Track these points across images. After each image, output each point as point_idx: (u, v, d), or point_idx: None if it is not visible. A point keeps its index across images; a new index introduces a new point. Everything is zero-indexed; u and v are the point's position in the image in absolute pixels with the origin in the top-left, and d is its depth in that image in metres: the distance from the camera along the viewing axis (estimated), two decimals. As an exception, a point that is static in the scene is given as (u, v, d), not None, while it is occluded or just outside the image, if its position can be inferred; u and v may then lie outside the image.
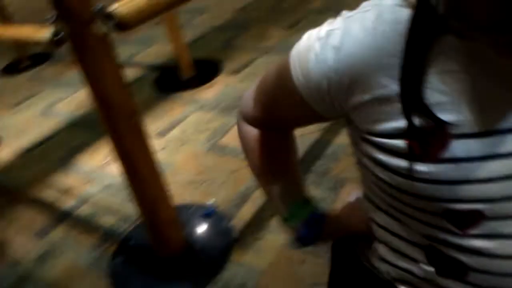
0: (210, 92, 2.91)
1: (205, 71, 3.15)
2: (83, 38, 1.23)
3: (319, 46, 0.48)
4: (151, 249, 1.75)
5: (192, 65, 3.08)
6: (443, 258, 0.50)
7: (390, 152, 0.46)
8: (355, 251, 0.66)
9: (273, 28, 3.59)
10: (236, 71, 3.07)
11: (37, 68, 3.90)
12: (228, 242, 1.73)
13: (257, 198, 1.92)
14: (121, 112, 1.37)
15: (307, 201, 0.69)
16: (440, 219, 0.47)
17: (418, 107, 0.43)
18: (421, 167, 0.44)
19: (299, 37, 0.55)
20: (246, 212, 1.86)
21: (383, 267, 0.59)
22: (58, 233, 2.01)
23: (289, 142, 0.70)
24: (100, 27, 1.19)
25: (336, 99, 0.49)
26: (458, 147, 0.43)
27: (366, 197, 0.60)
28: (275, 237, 1.70)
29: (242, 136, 0.71)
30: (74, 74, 3.68)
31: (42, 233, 2.03)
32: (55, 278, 1.77)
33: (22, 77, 3.82)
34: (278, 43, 3.31)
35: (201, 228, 1.82)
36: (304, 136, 2.24)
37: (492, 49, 0.37)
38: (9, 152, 2.79)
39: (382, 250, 0.58)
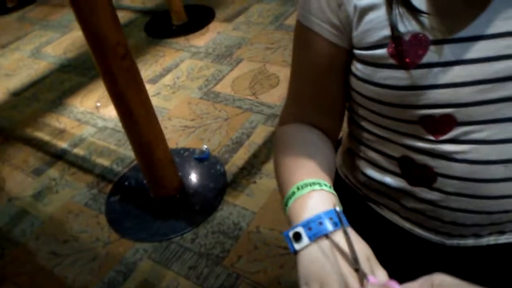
0: (202, 39, 2.88)
1: (197, 17, 3.10)
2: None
3: None
4: (146, 190, 1.81)
5: (184, 11, 3.02)
6: (414, 167, 0.55)
7: (373, 64, 0.51)
8: (336, 170, 0.71)
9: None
10: (229, 19, 3.03)
11: (25, 9, 3.78)
12: (221, 184, 1.79)
13: (250, 145, 1.97)
14: (114, 52, 1.37)
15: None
16: (416, 126, 0.52)
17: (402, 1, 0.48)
18: (400, 74, 0.49)
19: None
20: (239, 158, 1.92)
21: (362, 180, 0.65)
22: (53, 172, 2.05)
23: (324, 140, 0.62)
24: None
25: (337, 17, 0.53)
26: (433, 53, 0.48)
27: (349, 120, 0.65)
28: (267, 181, 1.77)
29: (276, 137, 0.64)
30: (62, 16, 3.59)
31: (37, 172, 2.07)
32: (52, 215, 1.82)
33: (9, 18, 3.70)
34: (273, -8, 3.26)
35: (195, 171, 1.88)
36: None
37: None
38: (0, 94, 2.76)
39: (362, 165, 0.64)
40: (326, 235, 0.45)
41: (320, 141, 0.61)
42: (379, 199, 0.64)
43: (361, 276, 0.41)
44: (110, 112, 2.39)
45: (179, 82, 2.51)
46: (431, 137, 0.52)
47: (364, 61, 0.53)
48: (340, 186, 0.70)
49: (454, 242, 0.58)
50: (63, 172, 2.04)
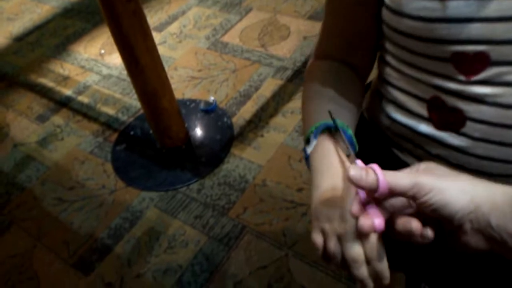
0: (211, -14, 2.77)
1: (206, -37, 2.96)
2: None
3: None
4: (152, 140, 1.79)
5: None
6: (444, 109, 0.53)
7: None
8: (362, 113, 0.69)
9: None
10: (240, -34, 2.90)
11: None
12: (228, 137, 1.77)
13: (258, 98, 1.93)
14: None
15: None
16: (447, 64, 0.49)
17: None
18: (433, 5, 0.46)
19: None
20: (246, 111, 1.88)
21: (387, 124, 0.63)
22: (58, 119, 2.02)
23: (353, 77, 0.63)
24: None
25: None
26: None
27: (379, 59, 0.62)
28: (275, 135, 1.75)
29: (307, 71, 0.65)
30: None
31: (42, 118, 2.04)
32: (58, 161, 1.82)
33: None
34: None
35: (202, 123, 1.85)
36: (309, 40, 2.19)
37: None
38: (3, 38, 2.69)
39: (388, 108, 0.61)
40: (329, 130, 0.54)
41: (347, 78, 0.62)
42: (403, 144, 0.62)
43: (352, 160, 0.47)
44: (115, 59, 2.34)
45: (185, 31, 2.43)
46: (463, 77, 0.49)
47: None
48: (364, 130, 0.68)
49: None
50: (68, 120, 2.01)
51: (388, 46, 0.57)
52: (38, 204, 1.66)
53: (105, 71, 2.27)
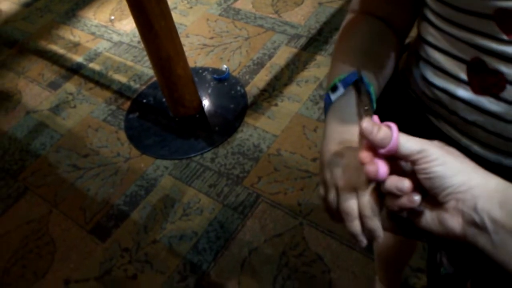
0: (222, -49, 2.68)
1: None
2: None
3: None
4: (165, 108, 1.78)
5: None
6: (485, 71, 0.51)
7: None
8: (396, 73, 0.67)
9: None
10: None
11: None
12: (241, 106, 1.76)
13: (272, 66, 1.90)
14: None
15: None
16: (490, 22, 0.47)
17: None
18: None
19: None
20: (260, 80, 1.86)
21: (422, 87, 0.61)
22: (70, 86, 2.01)
23: (392, 36, 0.61)
24: None
25: None
26: None
27: (420, 17, 0.60)
28: (289, 104, 1.73)
29: (343, 25, 0.64)
30: None
31: (54, 85, 2.03)
32: (71, 129, 1.82)
33: None
34: None
35: (215, 91, 1.84)
36: (324, 5, 2.14)
37: None
38: (11, 3, 2.65)
39: (425, 69, 0.59)
40: (356, 83, 0.52)
41: (384, 36, 0.60)
42: (438, 110, 0.60)
43: (369, 115, 0.47)
44: (125, 26, 2.30)
45: (197, -3, 2.38)
46: (505, 37, 0.47)
47: None
48: (400, 94, 0.66)
49: None
50: (80, 87, 2.00)
51: (429, 1, 0.55)
52: (53, 171, 1.67)
53: (115, 37, 2.24)
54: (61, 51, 2.22)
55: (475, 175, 0.40)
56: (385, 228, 0.78)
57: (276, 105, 1.74)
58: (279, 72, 1.87)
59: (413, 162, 0.40)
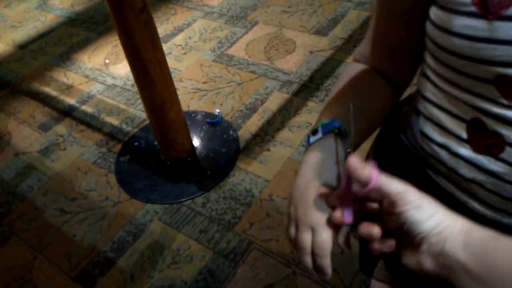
0: (216, -1, 2.78)
1: (211, -24, 2.98)
2: None
3: None
4: (157, 152, 1.77)
5: (199, -32, 2.90)
6: (484, 132, 0.51)
7: (453, 10, 0.48)
8: (396, 126, 0.68)
9: None
10: (245, -20, 2.92)
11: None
12: (234, 150, 1.75)
13: (264, 111, 1.92)
14: (131, 4, 1.30)
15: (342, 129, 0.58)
16: (490, 86, 0.48)
17: None
18: (479, 24, 0.45)
19: None
20: (252, 124, 1.87)
21: (422, 142, 0.61)
22: (61, 128, 2.00)
23: (387, 89, 0.64)
24: None
25: None
26: None
27: (421, 74, 0.61)
28: (281, 149, 1.73)
29: (344, 70, 0.68)
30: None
31: (44, 127, 2.02)
32: (60, 172, 1.79)
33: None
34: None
35: (207, 135, 1.84)
36: (315, 54, 2.19)
37: None
38: (5, 45, 2.68)
39: (425, 125, 0.60)
40: (337, 130, 0.55)
41: (378, 87, 0.63)
42: (436, 165, 0.60)
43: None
44: (119, 70, 2.32)
45: (191, 43, 2.43)
46: (505, 101, 0.48)
47: (443, 6, 0.49)
48: (397, 145, 0.66)
49: (511, 221, 0.55)
50: (71, 129, 1.99)
51: (430, 61, 0.56)
52: (40, 215, 1.63)
53: (109, 81, 2.26)
54: (53, 93, 2.22)
55: (445, 218, 0.42)
56: (380, 280, 0.75)
57: (268, 149, 1.74)
58: (271, 117, 1.89)
59: (392, 204, 0.42)
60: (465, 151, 0.54)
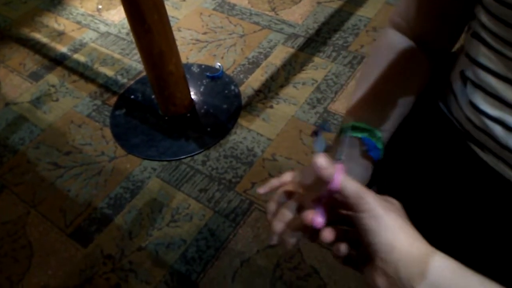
0: None
1: None
2: None
3: None
4: (155, 106, 1.69)
5: None
6: None
7: None
8: (435, 99, 0.62)
9: None
10: None
11: None
12: (235, 106, 1.68)
13: (268, 66, 1.83)
14: None
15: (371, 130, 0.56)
16: None
17: None
18: None
19: None
20: (255, 80, 1.78)
21: (470, 114, 0.54)
22: (53, 78, 1.90)
23: (423, 62, 0.59)
24: None
25: None
26: None
27: (472, 37, 0.53)
28: (285, 107, 1.66)
29: (376, 40, 0.63)
30: None
31: (35, 76, 1.92)
32: (53, 124, 1.71)
33: None
34: None
35: (208, 90, 1.75)
36: (323, 5, 2.07)
37: None
38: (-10, -16, 2.51)
39: (475, 95, 0.52)
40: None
41: (413, 63, 0.58)
42: (486, 141, 0.52)
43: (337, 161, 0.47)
44: (113, 16, 2.19)
45: (190, -10, 2.28)
46: None
47: None
48: (434, 116, 0.60)
49: None
50: (63, 79, 1.89)
51: (485, 18, 0.48)
52: (32, 168, 1.57)
53: (102, 28, 2.13)
54: (44, 39, 2.10)
55: (402, 235, 0.39)
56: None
57: (271, 107, 1.67)
58: (275, 72, 1.80)
59: (353, 207, 0.40)
60: None
